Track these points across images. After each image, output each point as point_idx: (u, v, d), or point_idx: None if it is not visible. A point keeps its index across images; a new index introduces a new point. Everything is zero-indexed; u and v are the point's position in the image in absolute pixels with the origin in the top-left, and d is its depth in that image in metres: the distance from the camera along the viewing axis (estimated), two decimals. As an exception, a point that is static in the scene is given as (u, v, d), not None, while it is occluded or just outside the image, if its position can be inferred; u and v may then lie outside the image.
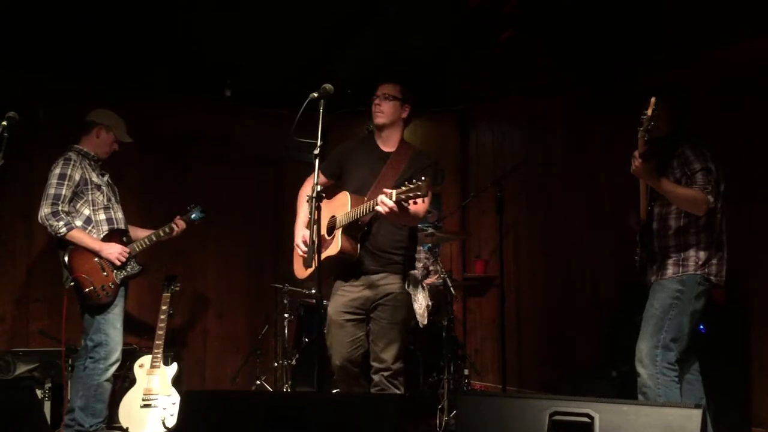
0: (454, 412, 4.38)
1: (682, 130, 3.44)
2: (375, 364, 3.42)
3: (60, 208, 3.93)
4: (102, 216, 4.10)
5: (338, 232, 3.34)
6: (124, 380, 4.53)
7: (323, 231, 3.36)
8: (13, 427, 2.67)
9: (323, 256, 3.31)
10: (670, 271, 3.34)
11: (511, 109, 5.91)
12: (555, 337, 5.40)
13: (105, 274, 4.00)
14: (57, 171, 3.98)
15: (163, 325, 4.45)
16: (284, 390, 4.98)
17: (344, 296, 3.47)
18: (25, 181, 4.72)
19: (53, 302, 4.72)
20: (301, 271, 3.63)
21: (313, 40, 5.38)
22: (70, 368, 4.29)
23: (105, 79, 5.06)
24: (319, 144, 3.00)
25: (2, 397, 2.90)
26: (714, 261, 3.32)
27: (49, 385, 4.39)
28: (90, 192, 4.06)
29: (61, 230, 3.90)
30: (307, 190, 3.61)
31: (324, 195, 3.08)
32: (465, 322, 6.04)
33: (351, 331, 3.44)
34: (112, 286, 4.01)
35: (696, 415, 2.04)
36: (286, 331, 5.16)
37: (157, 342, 4.41)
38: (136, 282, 4.72)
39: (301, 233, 3.51)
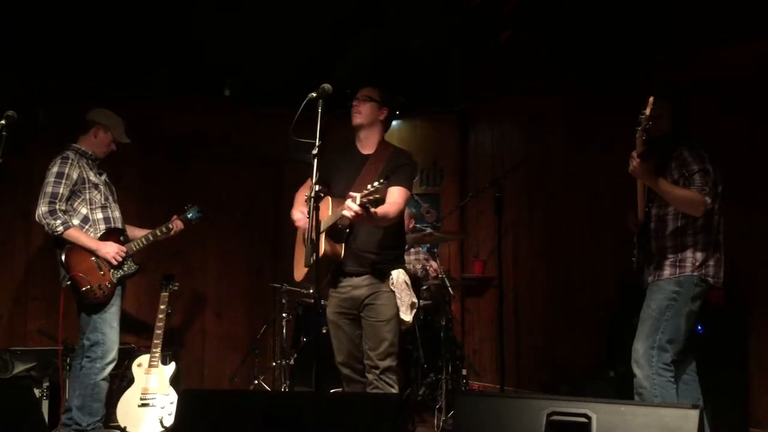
0: (452, 412, 4.38)
1: (682, 130, 3.44)
2: (367, 363, 3.48)
3: (57, 206, 3.93)
4: (99, 215, 4.10)
5: (321, 237, 3.38)
6: (122, 379, 4.52)
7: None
8: (11, 426, 2.67)
9: (302, 263, 3.44)
10: (668, 272, 3.35)
11: (511, 109, 5.91)
12: (553, 337, 5.40)
13: (102, 273, 4.00)
14: (54, 169, 3.98)
15: (161, 324, 4.45)
16: (282, 389, 4.98)
17: (336, 298, 3.58)
18: (25, 180, 4.72)
19: (51, 301, 4.72)
20: (298, 274, 3.68)
21: (312, 40, 5.38)
22: (67, 367, 4.29)
23: (105, 79, 5.06)
24: (317, 144, 3.01)
25: (0, 396, 2.89)
26: (711, 262, 3.32)
27: (47, 384, 4.38)
28: (87, 191, 4.06)
29: (58, 229, 3.90)
30: (300, 193, 3.73)
31: (323, 195, 3.10)
32: (463, 322, 6.04)
33: (349, 330, 3.54)
34: (109, 286, 4.01)
35: (693, 415, 2.05)
36: (284, 331, 5.16)
37: (155, 341, 4.40)
38: (135, 281, 4.73)
39: (295, 209, 3.65)
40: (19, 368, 4.37)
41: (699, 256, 3.31)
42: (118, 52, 5.00)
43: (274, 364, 5.36)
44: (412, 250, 5.65)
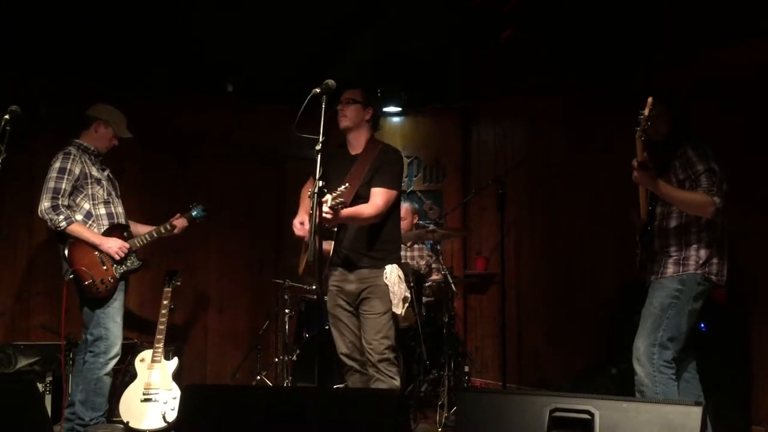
0: (454, 408, 4.39)
1: (682, 130, 3.43)
2: (367, 357, 3.54)
3: (60, 201, 3.93)
4: (102, 210, 4.11)
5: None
6: (125, 374, 4.53)
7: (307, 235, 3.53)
8: (15, 421, 2.68)
9: (305, 256, 3.49)
10: (671, 270, 3.34)
11: (513, 107, 5.91)
12: (555, 334, 5.40)
13: (105, 268, 4.01)
14: (57, 165, 3.98)
15: (164, 319, 4.45)
16: (285, 385, 4.98)
17: (333, 292, 3.67)
18: (27, 175, 4.72)
19: (54, 296, 4.73)
20: (301, 267, 3.72)
21: (314, 38, 5.38)
22: (70, 362, 4.30)
23: (107, 77, 5.06)
24: (320, 140, 3.01)
25: (3, 390, 2.90)
26: (714, 260, 3.32)
27: (50, 378, 4.40)
28: (90, 186, 4.07)
29: (61, 224, 3.91)
30: (308, 190, 3.70)
31: (326, 191, 3.11)
32: (466, 319, 6.05)
33: (349, 322, 3.63)
34: (112, 280, 4.01)
35: (696, 412, 2.05)
36: (286, 327, 5.17)
37: (158, 337, 4.41)
38: (138, 277, 4.73)
39: (299, 216, 3.71)
40: (23, 363, 4.39)
41: (703, 254, 3.31)
42: (119, 51, 5.00)
43: (276, 359, 5.36)
44: (415, 246, 5.65)
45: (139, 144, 4.72)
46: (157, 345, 4.39)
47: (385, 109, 6.15)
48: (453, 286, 5.08)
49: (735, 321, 4.12)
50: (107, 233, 4.06)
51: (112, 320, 4.00)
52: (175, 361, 4.47)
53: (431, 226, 5.17)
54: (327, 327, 4.57)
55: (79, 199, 4.04)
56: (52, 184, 3.94)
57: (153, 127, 5.34)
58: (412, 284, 4.39)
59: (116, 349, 4.03)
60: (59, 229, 3.92)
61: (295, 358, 4.90)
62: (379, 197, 3.49)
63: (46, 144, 4.46)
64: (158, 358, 4.37)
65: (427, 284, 5.21)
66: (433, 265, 5.48)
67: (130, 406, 4.23)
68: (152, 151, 5.44)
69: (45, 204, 3.92)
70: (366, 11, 5.13)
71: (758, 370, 4.13)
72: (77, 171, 4.02)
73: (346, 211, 3.30)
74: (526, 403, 2.29)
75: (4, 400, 2.73)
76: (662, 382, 3.24)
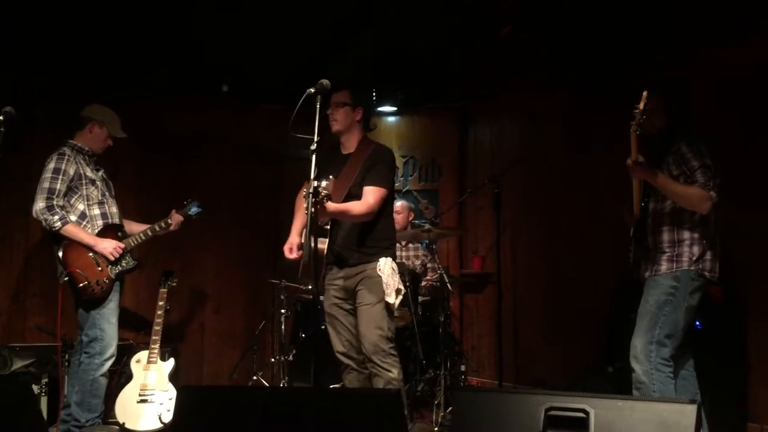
0: (451, 407, 4.39)
1: (678, 125, 3.44)
2: (364, 351, 3.55)
3: (55, 202, 3.92)
4: (96, 211, 4.10)
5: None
6: (121, 375, 4.53)
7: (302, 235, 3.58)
8: (9, 423, 2.67)
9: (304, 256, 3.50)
10: (665, 267, 3.35)
11: (510, 106, 5.91)
12: (551, 333, 5.41)
13: (99, 269, 4.00)
14: (51, 165, 3.98)
15: (160, 320, 4.45)
16: (281, 385, 4.98)
17: (330, 290, 3.69)
18: (23, 177, 4.71)
19: (50, 297, 4.72)
20: (300, 270, 3.73)
21: (311, 38, 5.37)
22: (66, 363, 4.29)
23: (103, 77, 5.05)
24: (316, 140, 3.02)
25: (-1, 392, 2.89)
26: (708, 256, 3.33)
27: (46, 380, 4.39)
28: (84, 187, 4.06)
29: (55, 224, 3.90)
30: (300, 196, 3.77)
31: (321, 191, 3.11)
32: (462, 318, 6.06)
33: (345, 320, 3.64)
34: (107, 281, 4.01)
35: (690, 410, 2.05)
36: (283, 327, 5.16)
37: (154, 337, 4.40)
38: (133, 277, 4.73)
39: (289, 241, 3.69)
40: (18, 365, 4.37)
41: (696, 250, 3.32)
42: (116, 51, 5.00)
43: (272, 360, 5.36)
44: (410, 246, 5.66)
45: (136, 144, 4.71)
46: (153, 346, 4.39)
47: (381, 109, 6.15)
48: (449, 286, 5.08)
49: (731, 318, 4.13)
50: (101, 234, 4.05)
51: (107, 321, 4.00)
52: (171, 361, 4.47)
53: (427, 226, 5.17)
54: (323, 327, 4.58)
55: (73, 199, 4.04)
56: (46, 185, 3.94)
57: (150, 127, 5.34)
58: (408, 283, 4.40)
59: (112, 350, 4.02)
60: (54, 229, 3.91)
61: (291, 358, 4.90)
62: (371, 195, 3.50)
63: (42, 144, 4.45)
64: (154, 359, 4.36)
65: (422, 284, 5.21)
66: (429, 265, 5.48)
67: (126, 407, 4.22)
68: (149, 151, 5.44)
69: (39, 204, 3.91)
70: (363, 11, 5.13)
71: (755, 367, 4.14)
72: (72, 171, 4.01)
73: (334, 206, 3.28)
74: (522, 402, 2.29)
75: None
76: (660, 379, 3.25)
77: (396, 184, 4.99)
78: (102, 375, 3.98)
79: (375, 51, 5.51)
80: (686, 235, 3.34)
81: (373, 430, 2.35)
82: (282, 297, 5.18)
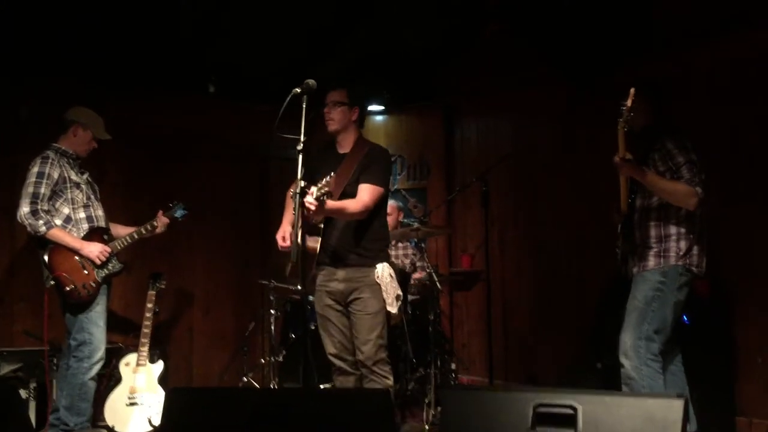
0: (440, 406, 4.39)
1: (662, 122, 3.46)
2: (358, 357, 3.53)
3: (39, 206, 3.90)
4: (82, 214, 4.08)
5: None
6: (110, 378, 4.51)
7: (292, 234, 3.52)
8: (-3, 427, 2.66)
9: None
10: (652, 262, 3.37)
11: (495, 104, 5.91)
12: (541, 330, 5.42)
13: (86, 272, 3.98)
14: (35, 169, 3.95)
15: (148, 323, 4.43)
16: (271, 386, 4.97)
17: (322, 291, 3.63)
18: (8, 179, 4.68)
19: (37, 302, 4.66)
20: (288, 269, 3.70)
21: (298, 37, 5.36)
22: (54, 367, 4.27)
23: (89, 77, 5.02)
24: (302, 140, 3.02)
25: (-15, 397, 2.87)
26: (695, 251, 3.35)
27: (35, 384, 4.36)
28: (69, 190, 4.04)
29: (40, 229, 3.87)
30: (290, 194, 3.71)
31: (308, 190, 3.12)
32: (452, 316, 6.06)
33: (338, 321, 3.60)
34: (93, 285, 3.99)
35: (677, 405, 2.06)
36: (272, 328, 5.15)
37: (142, 340, 4.39)
38: (122, 280, 4.70)
39: (281, 229, 3.66)
40: (5, 369, 4.34)
41: (683, 245, 3.34)
42: (103, 51, 4.96)
43: (262, 361, 5.35)
44: (399, 244, 5.65)
45: (122, 144, 4.68)
46: (141, 348, 4.37)
47: (369, 108, 6.15)
48: (438, 284, 5.08)
49: (718, 313, 4.15)
50: (87, 237, 4.03)
51: (95, 325, 3.98)
52: (160, 364, 4.45)
53: (416, 224, 5.17)
54: (313, 327, 4.58)
55: (58, 203, 4.01)
56: (30, 189, 3.91)
57: (136, 127, 5.31)
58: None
59: (100, 353, 4.00)
60: (39, 234, 3.89)
61: (281, 359, 4.89)
62: (365, 193, 3.47)
63: (28, 146, 4.42)
64: (143, 362, 4.35)
65: (411, 282, 5.21)
66: (418, 263, 5.48)
67: (115, 410, 4.21)
68: (135, 151, 5.40)
69: (24, 209, 3.88)
70: (349, 10, 5.12)
71: (742, 361, 4.16)
72: (56, 175, 3.99)
73: (332, 204, 3.26)
74: (510, 399, 2.30)
75: (-14, 407, 2.71)
76: (649, 375, 3.27)
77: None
78: (91, 379, 3.96)
79: (362, 50, 5.50)
80: (673, 230, 3.36)
81: (363, 429, 2.35)
82: (271, 298, 5.17)
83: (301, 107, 3.05)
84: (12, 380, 4.29)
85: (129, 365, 4.36)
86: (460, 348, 5.98)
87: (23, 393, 4.28)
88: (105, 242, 4.09)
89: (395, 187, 6.25)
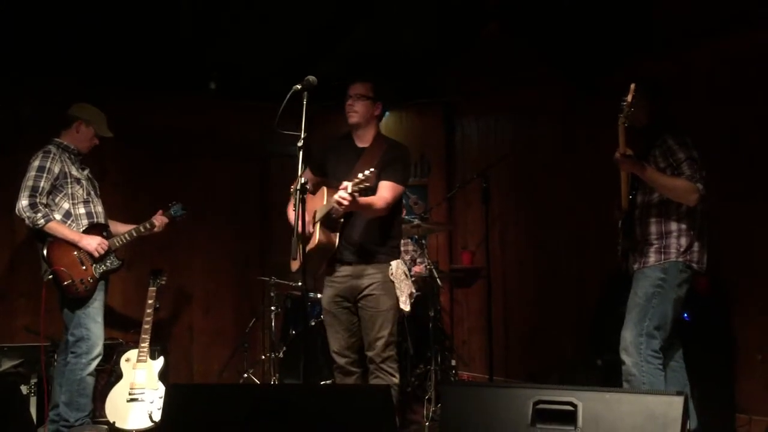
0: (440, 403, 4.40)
1: (662, 118, 3.46)
2: (367, 353, 3.53)
3: (38, 200, 3.91)
4: (81, 210, 4.08)
5: (317, 226, 3.47)
6: (111, 374, 4.51)
7: (308, 226, 3.51)
8: (-3, 423, 2.66)
9: (307, 249, 3.47)
10: (653, 258, 3.37)
11: (496, 101, 5.91)
12: (541, 327, 5.43)
13: (84, 267, 3.98)
14: (36, 163, 3.96)
15: (149, 319, 4.43)
16: (272, 383, 4.98)
17: (332, 287, 3.60)
18: (8, 177, 4.67)
19: (37, 298, 4.65)
20: (293, 264, 3.69)
21: (298, 34, 5.35)
22: (54, 363, 4.27)
23: (89, 76, 5.02)
24: (302, 136, 3.02)
25: (-15, 393, 2.88)
26: (695, 248, 3.35)
27: (35, 380, 4.36)
28: (69, 185, 4.04)
29: (39, 222, 3.88)
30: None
31: (308, 187, 3.12)
32: (452, 313, 6.06)
33: (345, 318, 3.57)
34: (91, 280, 3.99)
35: (677, 401, 2.07)
36: (273, 324, 5.16)
37: (143, 336, 4.39)
38: (122, 276, 4.71)
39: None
40: (6, 365, 4.35)
41: (683, 241, 3.34)
42: (103, 50, 4.96)
43: (263, 357, 5.35)
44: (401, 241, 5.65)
45: (123, 142, 4.68)
46: (142, 344, 4.37)
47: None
48: (439, 281, 5.08)
49: (719, 311, 4.15)
50: (86, 233, 4.04)
51: (93, 320, 3.98)
52: (161, 360, 4.45)
53: (416, 221, 5.17)
54: (313, 324, 4.59)
55: (58, 198, 4.02)
56: (30, 182, 3.92)
57: (136, 125, 5.31)
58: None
59: (98, 349, 4.01)
60: (37, 227, 3.89)
61: (281, 355, 4.90)
62: (387, 191, 3.45)
63: (28, 144, 4.42)
64: (144, 358, 4.35)
65: (412, 279, 5.21)
66: (418, 260, 5.48)
67: (115, 406, 4.21)
68: (136, 149, 5.41)
69: (23, 202, 3.89)
70: (350, 7, 5.11)
71: (742, 359, 4.17)
72: (56, 170, 3.99)
73: (363, 200, 3.21)
74: (510, 396, 2.30)
75: (-14, 403, 2.71)
76: (649, 371, 3.27)
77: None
78: (89, 374, 3.97)
79: (362, 47, 5.49)
80: (674, 226, 3.36)
81: (363, 426, 2.36)
82: (272, 294, 5.17)
83: (302, 104, 3.05)
84: (13, 376, 4.29)
85: (129, 361, 4.36)
86: (460, 345, 5.99)
87: (24, 389, 4.28)
88: (104, 238, 4.09)
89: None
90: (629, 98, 3.14)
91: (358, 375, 3.61)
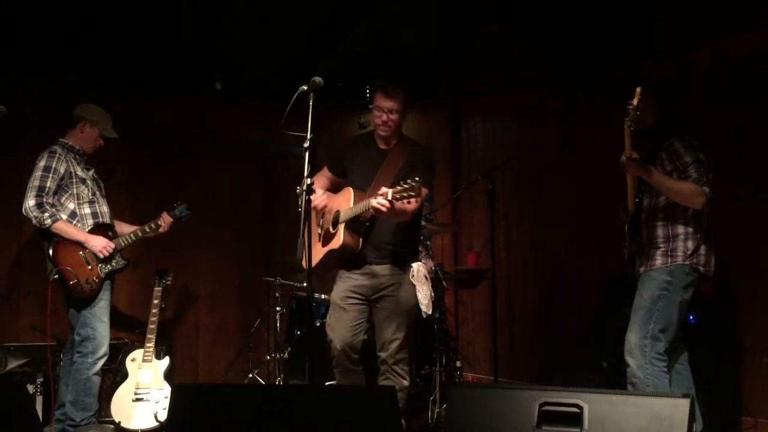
0: (446, 404, 4.39)
1: (669, 120, 3.45)
2: (381, 354, 3.52)
3: (45, 199, 3.92)
4: (87, 210, 4.09)
5: (341, 227, 3.44)
6: (116, 374, 4.52)
7: (329, 225, 3.52)
8: (4, 422, 2.66)
9: (327, 249, 3.50)
10: (659, 261, 3.36)
11: (502, 102, 5.90)
12: (546, 328, 5.42)
13: (89, 267, 3.99)
14: (42, 163, 3.97)
15: (154, 319, 4.44)
16: (277, 383, 4.98)
17: (348, 281, 3.56)
18: (12, 176, 4.69)
19: (44, 297, 4.66)
20: (306, 262, 3.66)
21: (303, 34, 5.36)
22: (59, 362, 4.28)
23: (93, 76, 5.03)
24: (308, 137, 3.02)
25: (-8, 392, 2.88)
26: (702, 251, 3.34)
27: (41, 379, 4.38)
28: (75, 186, 4.06)
29: (46, 221, 3.89)
30: (317, 181, 3.63)
31: (314, 188, 3.12)
32: (457, 314, 6.06)
33: (353, 315, 3.53)
34: (96, 280, 4.00)
35: (683, 404, 2.06)
36: (278, 325, 5.16)
37: (148, 336, 4.40)
38: (128, 276, 4.72)
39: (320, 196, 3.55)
40: (12, 364, 4.37)
41: (690, 245, 3.33)
42: (107, 50, 4.97)
43: (268, 357, 5.36)
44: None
45: (128, 142, 4.69)
46: (147, 344, 4.38)
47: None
48: (444, 282, 5.08)
49: (724, 313, 4.14)
50: (92, 232, 4.06)
51: (98, 320, 4.00)
52: (166, 360, 4.46)
53: (422, 222, 5.16)
54: (318, 324, 4.58)
55: (63, 198, 4.03)
56: (36, 183, 3.93)
57: (141, 124, 5.33)
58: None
59: (104, 348, 4.02)
60: (44, 226, 3.91)
61: (286, 355, 4.90)
62: None
63: (31, 144, 4.44)
64: (149, 358, 4.36)
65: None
66: (423, 260, 5.47)
67: (121, 405, 4.22)
68: (141, 150, 5.43)
69: (29, 202, 3.90)
70: (350, 7, 5.11)
71: (748, 361, 4.15)
72: (62, 170, 4.01)
73: (399, 206, 3.17)
74: (516, 397, 2.30)
75: (-7, 403, 2.72)
76: (654, 374, 3.26)
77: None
78: (95, 374, 3.99)
79: (367, 47, 5.49)
80: (680, 230, 3.35)
81: (368, 427, 2.36)
82: (277, 294, 5.17)
83: (308, 105, 3.05)
84: (19, 375, 4.31)
85: (135, 361, 4.37)
86: (465, 346, 5.98)
87: (30, 388, 4.30)
88: (109, 238, 4.11)
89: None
90: (635, 102, 3.13)
91: (359, 373, 3.57)
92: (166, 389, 4.29)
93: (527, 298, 5.61)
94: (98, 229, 4.09)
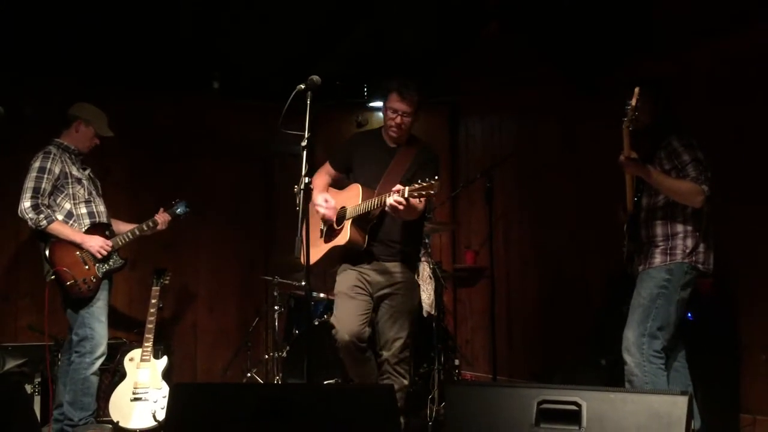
0: (444, 402, 4.39)
1: (667, 120, 3.45)
2: (383, 352, 3.51)
3: (40, 201, 3.91)
4: (83, 210, 4.09)
5: (347, 223, 3.44)
6: (115, 374, 4.51)
7: (332, 221, 3.52)
8: (2, 422, 2.66)
9: (331, 245, 3.50)
10: (658, 260, 3.37)
11: (501, 101, 5.91)
12: (544, 326, 5.42)
13: (87, 267, 3.99)
14: (36, 164, 3.96)
15: (152, 318, 4.44)
16: (275, 382, 4.98)
17: (357, 273, 3.52)
18: (11, 177, 4.68)
19: (41, 297, 4.68)
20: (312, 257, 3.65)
21: (301, 34, 5.35)
22: (58, 362, 4.28)
23: (91, 75, 5.03)
24: (306, 136, 3.01)
25: (-10, 392, 2.88)
26: (701, 249, 3.34)
27: (39, 379, 4.38)
28: (70, 186, 4.05)
29: (41, 223, 3.88)
30: (318, 177, 3.68)
31: (312, 187, 3.13)
32: (455, 312, 6.06)
33: (360, 304, 3.49)
34: (94, 280, 4.00)
35: (682, 401, 2.06)
36: (276, 324, 5.15)
37: (146, 335, 4.39)
38: (126, 276, 4.71)
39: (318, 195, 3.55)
40: (10, 364, 4.36)
41: (689, 243, 3.33)
42: (105, 49, 4.97)
43: (266, 356, 5.35)
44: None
45: (126, 141, 4.68)
46: (146, 344, 4.38)
47: (372, 104, 6.14)
48: (442, 280, 5.07)
49: (723, 311, 4.14)
50: (89, 232, 4.05)
51: (96, 320, 3.99)
52: (164, 359, 4.46)
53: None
54: (316, 323, 4.58)
55: (59, 199, 4.02)
56: (32, 184, 3.92)
57: (139, 125, 5.33)
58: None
59: (102, 348, 4.02)
60: (40, 228, 3.90)
61: (285, 354, 4.89)
62: None
63: (30, 144, 4.43)
64: (147, 357, 4.36)
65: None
66: (422, 258, 5.47)
67: (119, 405, 4.21)
68: (139, 149, 5.42)
69: (25, 204, 3.89)
70: (350, 7, 5.11)
71: (746, 359, 4.16)
72: (57, 170, 4.00)
73: (413, 203, 3.18)
74: (515, 395, 2.30)
75: (-9, 402, 2.72)
76: (652, 372, 3.27)
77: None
78: (93, 374, 3.98)
79: (365, 46, 5.49)
80: (679, 228, 3.35)
81: (367, 425, 2.36)
82: (275, 293, 5.17)
83: (306, 103, 3.05)
84: (17, 375, 4.30)
85: (133, 360, 4.37)
86: (464, 344, 5.98)
87: (28, 388, 4.30)
88: (107, 237, 4.10)
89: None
90: (633, 102, 3.14)
91: (371, 361, 3.50)
92: (165, 389, 4.29)
93: (526, 297, 5.61)
94: (95, 228, 4.09)
